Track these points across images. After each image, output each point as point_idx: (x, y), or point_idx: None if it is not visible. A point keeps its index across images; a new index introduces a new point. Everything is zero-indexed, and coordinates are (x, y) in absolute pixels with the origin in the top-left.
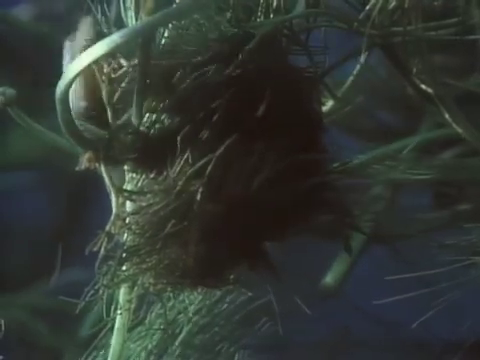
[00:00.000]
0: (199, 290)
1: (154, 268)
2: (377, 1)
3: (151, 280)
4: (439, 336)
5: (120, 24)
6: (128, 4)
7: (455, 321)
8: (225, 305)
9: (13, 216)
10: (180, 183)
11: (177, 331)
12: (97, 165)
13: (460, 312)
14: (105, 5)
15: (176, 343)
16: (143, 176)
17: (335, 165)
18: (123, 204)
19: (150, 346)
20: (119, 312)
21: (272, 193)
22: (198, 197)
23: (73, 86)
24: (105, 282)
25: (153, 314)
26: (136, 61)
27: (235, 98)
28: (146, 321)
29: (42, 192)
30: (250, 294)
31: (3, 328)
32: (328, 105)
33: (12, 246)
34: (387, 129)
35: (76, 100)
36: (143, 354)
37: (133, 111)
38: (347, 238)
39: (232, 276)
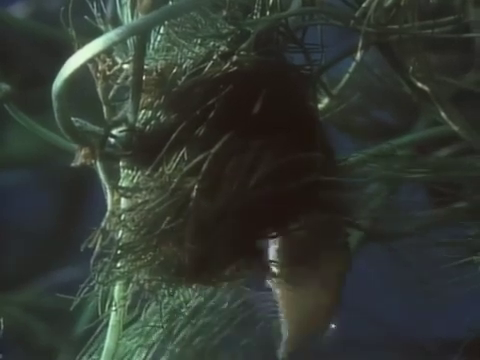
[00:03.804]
0: (194, 287)
1: (149, 265)
2: None
3: (146, 277)
4: (437, 335)
5: (116, 21)
6: (124, 1)
7: (453, 320)
8: (224, 304)
9: (10, 214)
10: (175, 180)
11: (173, 329)
12: (93, 161)
13: (458, 310)
14: (101, 2)
15: (172, 341)
16: (138, 173)
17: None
18: (118, 201)
19: (146, 343)
20: (114, 309)
21: (268, 191)
22: (193, 194)
23: None
24: (100, 279)
25: (148, 311)
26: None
27: (231, 95)
28: (141, 318)
29: (39, 190)
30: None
31: (2, 326)
32: (324, 103)
33: (9, 245)
34: (383, 127)
35: None
36: (138, 351)
37: (129, 108)
38: (344, 236)
39: (227, 274)
